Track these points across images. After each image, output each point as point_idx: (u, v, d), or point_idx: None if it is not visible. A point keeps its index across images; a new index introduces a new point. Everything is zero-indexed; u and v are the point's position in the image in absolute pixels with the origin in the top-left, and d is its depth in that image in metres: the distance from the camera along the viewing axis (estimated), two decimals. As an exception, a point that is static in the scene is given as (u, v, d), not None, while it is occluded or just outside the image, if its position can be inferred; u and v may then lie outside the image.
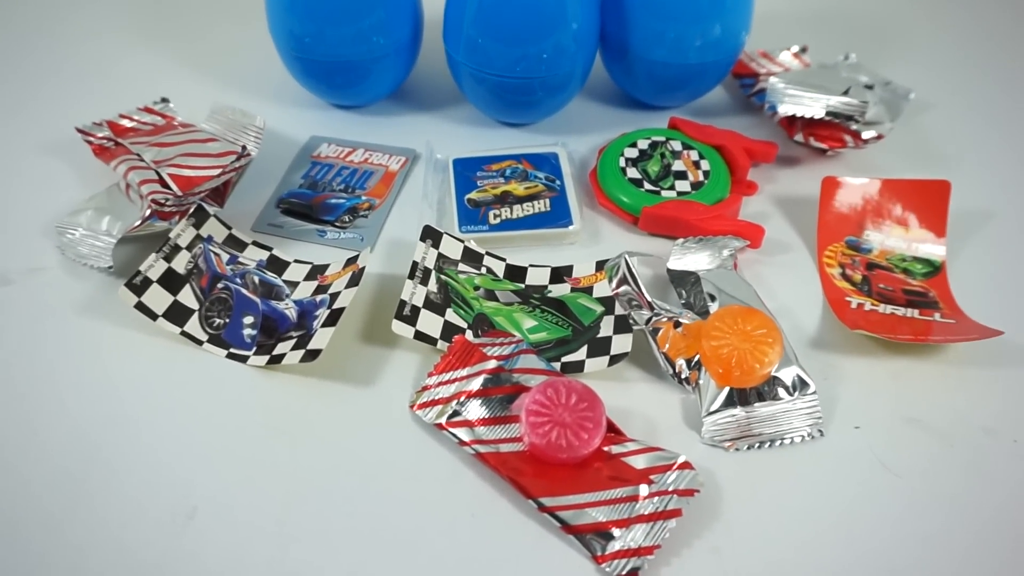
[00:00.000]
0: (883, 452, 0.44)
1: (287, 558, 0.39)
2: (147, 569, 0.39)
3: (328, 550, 0.40)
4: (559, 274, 0.52)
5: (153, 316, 0.48)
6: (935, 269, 0.52)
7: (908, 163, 0.60)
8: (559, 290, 0.51)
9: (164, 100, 0.60)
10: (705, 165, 0.57)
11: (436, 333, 0.48)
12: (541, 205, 0.55)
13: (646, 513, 0.40)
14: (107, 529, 0.40)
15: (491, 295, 0.50)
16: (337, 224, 0.55)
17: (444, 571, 0.39)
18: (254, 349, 0.47)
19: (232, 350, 0.48)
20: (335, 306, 0.47)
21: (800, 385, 0.45)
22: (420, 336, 0.47)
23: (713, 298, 0.48)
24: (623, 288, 0.47)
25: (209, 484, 0.42)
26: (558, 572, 0.39)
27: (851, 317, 0.49)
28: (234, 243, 0.53)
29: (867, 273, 0.52)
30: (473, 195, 0.56)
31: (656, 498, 0.40)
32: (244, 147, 0.52)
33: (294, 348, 0.46)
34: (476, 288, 0.50)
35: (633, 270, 0.46)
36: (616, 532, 0.40)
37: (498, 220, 0.54)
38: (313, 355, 0.45)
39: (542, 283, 0.51)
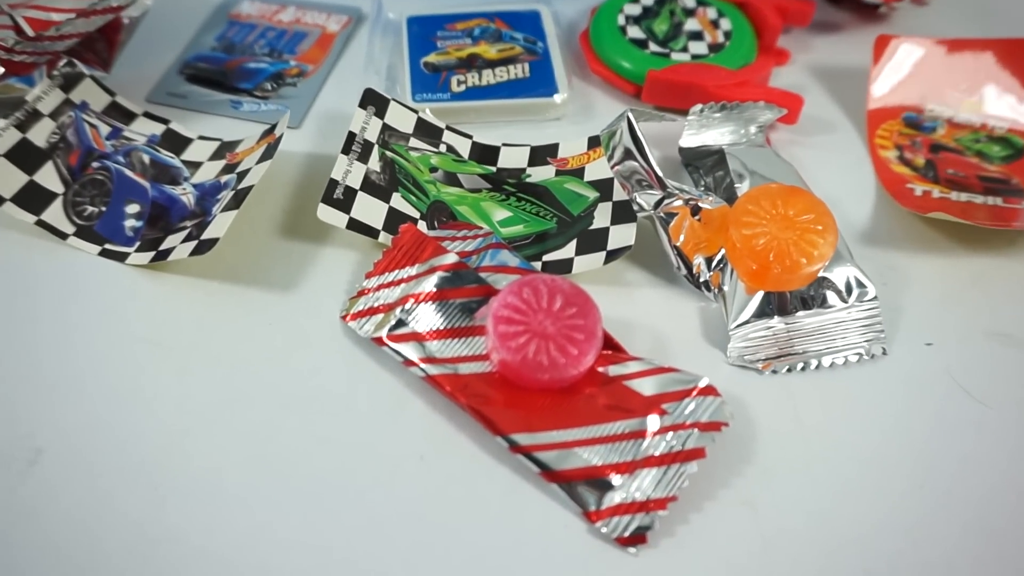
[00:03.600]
0: (964, 375, 0.33)
1: (165, 518, 0.29)
2: (-33, 533, 0.28)
3: (224, 507, 0.29)
4: (541, 154, 0.40)
5: (-2, 200, 0.36)
6: (1017, 152, 0.41)
7: (977, 28, 0.49)
8: (541, 174, 0.39)
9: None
10: (726, 24, 0.45)
11: (377, 223, 0.36)
12: (518, 71, 0.43)
13: (657, 454, 0.29)
14: (-84, 479, 0.29)
15: (452, 179, 0.39)
16: (257, 93, 0.43)
17: (384, 531, 0.29)
18: (137, 244, 0.36)
19: (107, 246, 0.36)
20: (241, 186, 0.35)
21: (856, 289, 0.34)
22: (355, 225, 0.36)
23: (742, 178, 0.37)
24: (626, 164, 0.35)
25: (62, 420, 0.31)
26: (536, 533, 0.29)
27: (918, 204, 0.38)
28: (118, 113, 0.40)
29: (931, 156, 0.41)
30: (432, 58, 0.44)
31: (670, 434, 0.30)
32: (122, -22, 0.40)
33: (185, 240, 0.35)
34: (433, 170, 0.39)
35: (639, 136, 0.34)
36: (616, 480, 0.29)
37: (463, 87, 0.42)
38: (207, 246, 0.33)
39: (519, 166, 0.40)
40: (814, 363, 0.33)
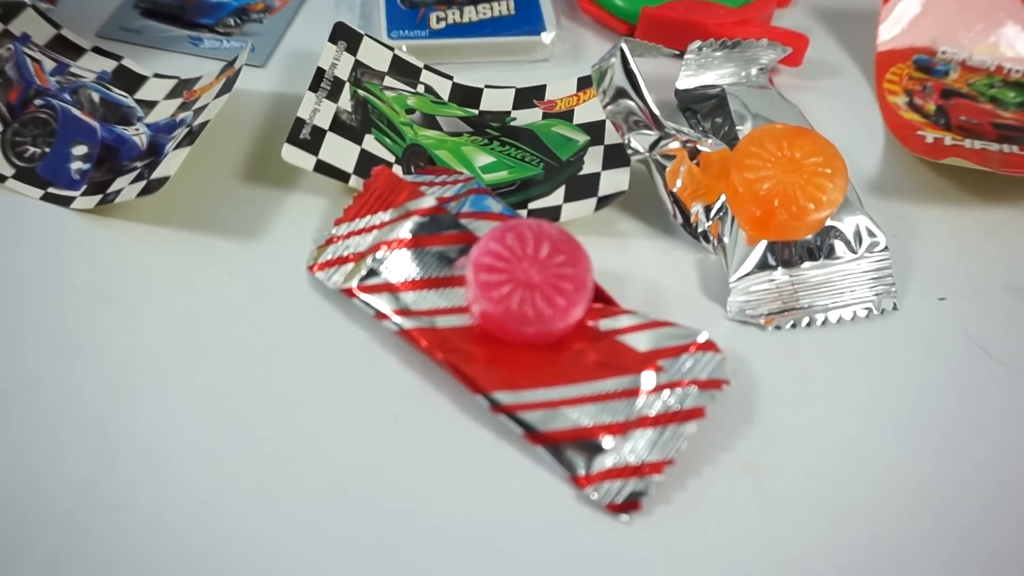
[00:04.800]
0: (979, 331, 0.31)
1: (109, 483, 0.26)
2: None
3: (175, 472, 0.26)
4: (527, 96, 0.37)
5: (-72, 138, 0.33)
6: (1033, 98, 0.39)
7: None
8: (526, 117, 0.37)
9: None
10: (725, -39, 0.42)
11: (348, 166, 0.33)
12: (502, 7, 0.40)
13: (652, 414, 0.27)
14: None
15: (431, 121, 0.36)
16: (219, 30, 0.40)
17: (351, 498, 0.26)
18: (83, 188, 0.33)
19: (51, 189, 0.33)
20: (197, 122, 0.32)
21: (866, 239, 0.32)
22: (324, 168, 0.33)
23: (743, 120, 0.34)
24: (619, 103, 0.33)
25: (-4, 375, 0.28)
26: (519, 500, 0.26)
27: (930, 151, 0.35)
28: (64, 48, 0.37)
29: (943, 102, 0.38)
30: (409, -7, 0.41)
31: (667, 392, 0.27)
32: None
33: (135, 181, 0.31)
34: (409, 111, 0.36)
35: (633, 70, 0.32)
36: (608, 442, 0.27)
37: (442, 24, 0.39)
38: (156, 185, 0.30)
39: (503, 108, 0.37)
40: (820, 318, 0.31)
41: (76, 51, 0.37)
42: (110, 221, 0.32)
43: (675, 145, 0.32)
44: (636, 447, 0.27)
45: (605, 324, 0.29)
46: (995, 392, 0.30)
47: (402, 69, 0.37)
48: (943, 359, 0.30)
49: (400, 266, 0.30)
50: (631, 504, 0.26)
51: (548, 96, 0.37)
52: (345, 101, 0.35)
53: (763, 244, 0.31)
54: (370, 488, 0.26)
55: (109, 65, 0.37)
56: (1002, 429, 0.29)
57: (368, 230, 0.31)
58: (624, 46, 0.31)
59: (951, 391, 0.30)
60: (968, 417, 0.29)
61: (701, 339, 0.28)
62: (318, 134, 0.33)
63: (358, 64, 0.36)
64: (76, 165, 0.33)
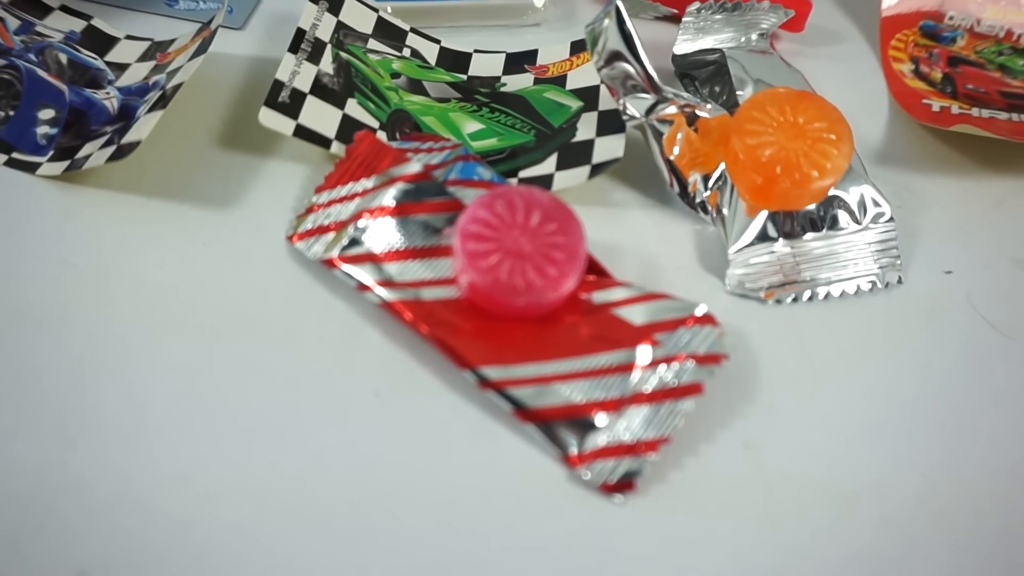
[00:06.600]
0: (986, 305, 0.30)
1: (73, 463, 0.24)
2: None
3: (143, 451, 0.25)
4: (517, 61, 0.36)
5: None
6: (1043, 65, 0.38)
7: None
8: (517, 83, 0.35)
9: None
10: (725, -78, 0.40)
11: (330, 131, 0.32)
12: (493, -31, 0.39)
13: (647, 390, 0.26)
14: None
15: (417, 87, 0.34)
16: (195, -10, 0.38)
17: (331, 478, 0.25)
18: (50, 153, 0.31)
19: (15, 155, 0.31)
20: (170, 84, 0.31)
21: (871, 209, 0.30)
22: (304, 133, 0.31)
23: (744, 84, 0.33)
24: (614, 65, 0.31)
25: (-45, 349, 0.27)
26: (508, 479, 0.25)
27: (937, 119, 0.34)
28: (29, 5, 0.35)
29: (950, 70, 0.37)
30: (394, -47, 0.39)
31: (663, 367, 0.26)
32: None
33: (104, 146, 0.30)
34: (395, 75, 0.34)
35: (629, 31, 0.30)
36: (601, 419, 0.25)
37: (430, -14, 0.38)
38: (127, 150, 0.28)
39: (493, 74, 0.35)
40: (822, 292, 0.30)
41: (43, 9, 0.35)
42: (78, 188, 0.31)
43: (672, 110, 0.31)
44: (631, 425, 0.25)
45: (599, 296, 0.27)
46: (1003, 368, 0.28)
47: (387, 32, 0.35)
48: (949, 334, 0.29)
49: (383, 235, 0.28)
50: (625, 484, 0.25)
51: (540, 61, 0.36)
52: (327, 64, 0.33)
53: (764, 214, 0.30)
54: (351, 467, 0.25)
55: (78, 25, 0.35)
56: (1011, 405, 0.28)
57: (350, 198, 0.29)
58: (619, 4, 0.30)
59: (958, 367, 0.28)
60: (975, 393, 0.28)
61: (699, 312, 0.27)
62: (298, 97, 0.31)
63: (340, 25, 0.34)
64: (42, 130, 0.32)
